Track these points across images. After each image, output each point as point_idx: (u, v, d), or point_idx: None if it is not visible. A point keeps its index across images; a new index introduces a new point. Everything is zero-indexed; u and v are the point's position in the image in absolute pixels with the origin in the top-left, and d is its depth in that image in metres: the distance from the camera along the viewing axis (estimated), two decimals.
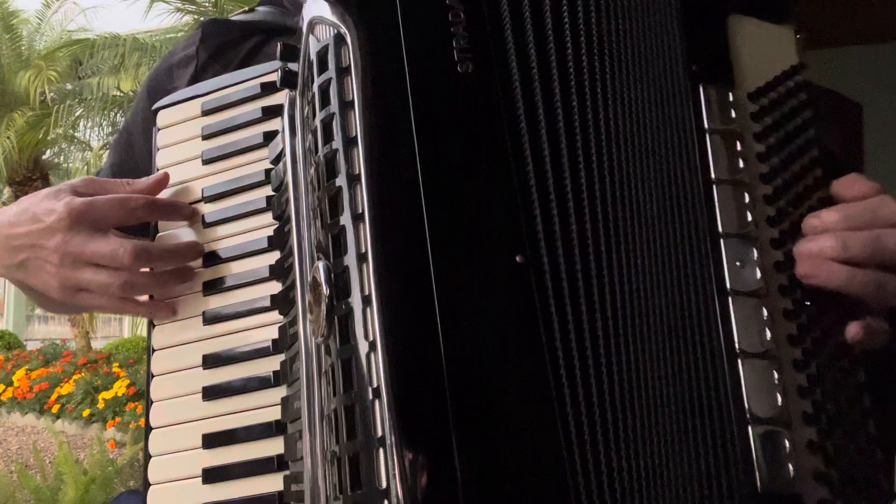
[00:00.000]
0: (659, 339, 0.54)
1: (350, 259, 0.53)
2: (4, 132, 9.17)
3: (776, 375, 0.53)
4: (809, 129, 0.60)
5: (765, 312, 0.54)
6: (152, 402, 0.70)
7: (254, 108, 0.72)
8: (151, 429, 0.70)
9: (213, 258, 0.71)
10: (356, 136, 0.55)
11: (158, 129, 0.77)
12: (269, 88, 0.71)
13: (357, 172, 0.54)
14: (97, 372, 6.80)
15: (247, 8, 0.91)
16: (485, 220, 0.54)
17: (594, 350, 0.53)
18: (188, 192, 0.74)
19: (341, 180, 0.55)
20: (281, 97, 0.69)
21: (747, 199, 0.56)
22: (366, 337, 0.51)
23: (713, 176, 0.57)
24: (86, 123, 9.59)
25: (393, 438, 0.49)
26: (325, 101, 0.57)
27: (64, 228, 0.65)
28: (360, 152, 0.54)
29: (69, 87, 9.72)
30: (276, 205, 0.69)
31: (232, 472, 0.66)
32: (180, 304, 0.71)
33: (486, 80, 0.57)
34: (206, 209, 0.73)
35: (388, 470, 0.49)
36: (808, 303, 0.56)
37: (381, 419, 0.49)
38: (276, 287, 0.67)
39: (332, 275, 0.54)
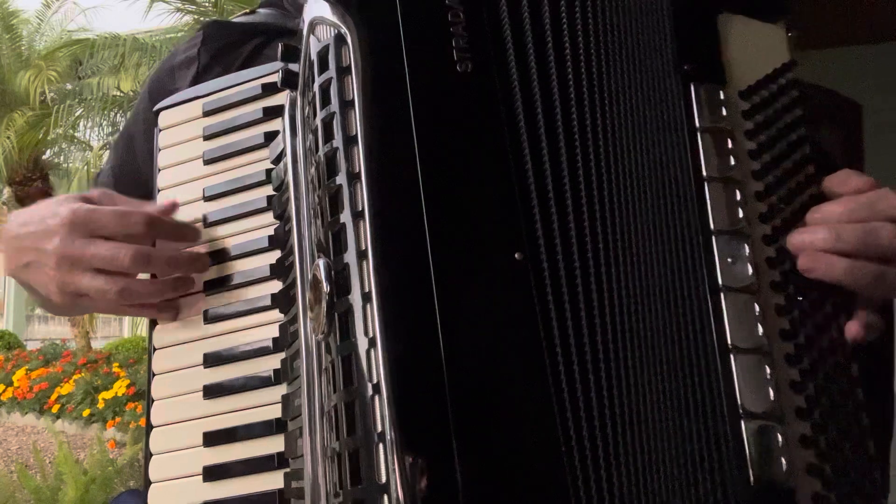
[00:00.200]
0: (653, 336, 0.54)
1: (350, 256, 0.54)
2: (4, 132, 9.18)
3: (768, 370, 0.53)
4: (801, 126, 0.60)
5: (757, 308, 0.55)
6: (153, 401, 0.70)
7: (255, 109, 0.73)
8: (153, 427, 0.70)
9: (214, 257, 0.71)
10: (356, 134, 0.55)
11: (160, 130, 0.77)
12: (270, 89, 0.72)
13: (357, 171, 0.54)
14: (97, 372, 6.81)
15: (248, 10, 0.92)
16: (484, 217, 0.55)
17: (592, 346, 0.54)
18: (189, 192, 0.74)
19: (341, 178, 0.55)
20: (282, 98, 0.70)
21: (739, 196, 0.57)
22: (366, 333, 0.52)
23: (705, 173, 0.57)
24: (86, 123, 9.59)
25: (392, 434, 0.49)
26: (325, 101, 0.57)
27: (64, 232, 0.65)
28: (360, 151, 0.55)
29: (69, 87, 9.72)
30: (276, 204, 0.69)
31: (232, 469, 0.66)
32: (182, 303, 0.72)
33: (486, 80, 0.57)
34: (208, 209, 0.73)
35: (387, 465, 0.49)
36: (801, 298, 0.56)
37: (381, 415, 0.50)
38: (276, 286, 0.68)
39: (333, 272, 0.54)
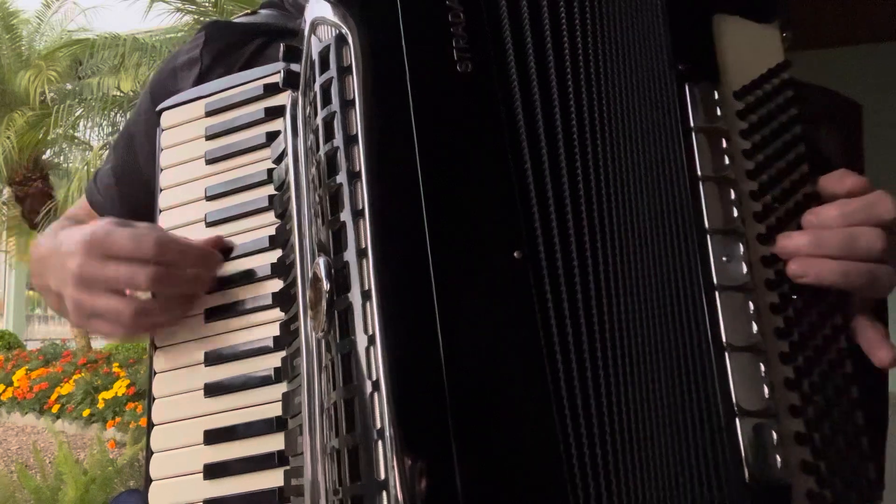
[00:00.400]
0: (648, 335, 0.55)
1: (350, 255, 0.54)
2: (4, 132, 9.17)
3: (763, 368, 0.54)
4: (796, 125, 0.61)
5: (751, 306, 0.55)
6: (154, 399, 0.71)
7: (256, 109, 0.73)
8: (154, 425, 0.70)
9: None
10: (357, 133, 0.55)
11: (162, 130, 0.78)
12: (271, 90, 0.72)
13: (357, 169, 0.55)
14: (97, 372, 6.81)
15: (248, 10, 0.92)
16: (483, 216, 0.55)
17: (590, 346, 0.54)
18: (191, 192, 0.75)
19: (342, 177, 0.55)
20: (283, 98, 0.70)
21: (733, 196, 0.57)
22: (365, 331, 0.52)
23: (699, 173, 0.57)
24: (86, 123, 9.58)
25: (391, 431, 0.49)
26: (326, 100, 0.58)
27: (82, 252, 0.66)
28: (360, 150, 0.55)
29: (69, 87, 9.71)
30: (277, 203, 0.69)
31: (233, 467, 0.66)
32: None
33: (485, 80, 0.58)
34: (209, 208, 0.73)
35: (386, 462, 0.49)
36: (795, 297, 0.56)
37: (380, 412, 0.50)
38: (277, 285, 0.68)
39: (333, 270, 0.55)
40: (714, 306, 0.55)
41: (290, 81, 0.65)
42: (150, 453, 0.70)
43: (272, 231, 0.70)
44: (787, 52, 0.64)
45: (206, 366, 0.70)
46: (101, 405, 6.18)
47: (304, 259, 0.62)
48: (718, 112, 0.59)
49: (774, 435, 0.53)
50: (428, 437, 0.50)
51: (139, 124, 0.89)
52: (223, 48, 0.86)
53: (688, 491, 0.52)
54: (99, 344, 9.01)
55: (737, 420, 0.53)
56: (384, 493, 0.49)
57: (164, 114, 0.78)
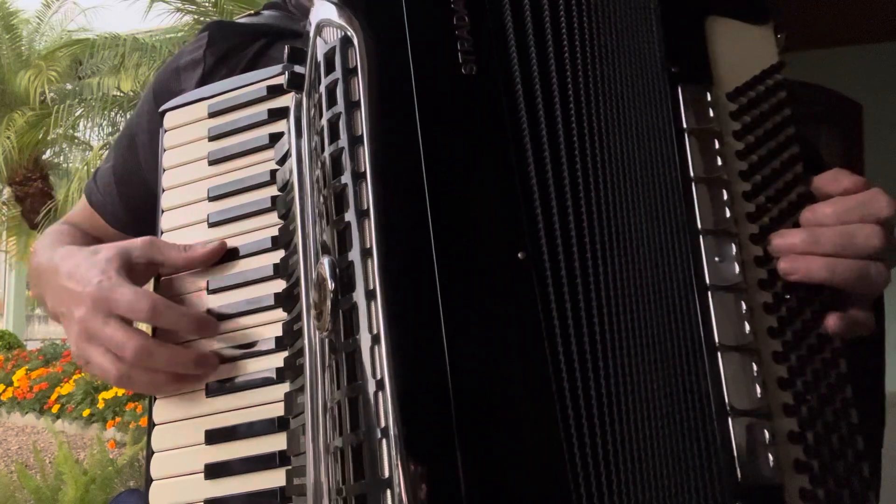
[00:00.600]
0: (645, 336, 0.55)
1: (355, 254, 0.54)
2: (4, 132, 9.18)
3: (755, 368, 0.54)
4: (789, 126, 0.61)
5: (744, 306, 0.55)
6: (156, 399, 0.71)
7: (260, 111, 0.73)
8: (155, 424, 0.70)
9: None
10: (362, 134, 0.56)
11: (165, 131, 0.78)
12: (275, 91, 0.72)
13: (362, 170, 0.55)
14: None
15: (250, 10, 0.92)
16: (487, 217, 0.55)
17: (592, 346, 0.54)
18: (194, 192, 0.75)
19: (347, 178, 0.56)
20: (286, 100, 0.71)
21: (726, 197, 0.58)
22: (370, 330, 0.52)
23: (692, 174, 0.58)
24: (86, 123, 9.59)
25: (395, 429, 0.50)
26: (331, 102, 0.58)
27: (89, 303, 0.67)
28: (365, 150, 0.55)
29: (69, 87, 9.72)
30: (280, 204, 0.70)
31: (234, 467, 0.66)
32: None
33: (490, 82, 0.58)
34: (212, 209, 0.74)
35: (390, 460, 0.50)
36: (788, 296, 0.57)
37: (384, 411, 0.50)
38: (280, 285, 0.68)
39: (337, 270, 0.55)
40: (706, 306, 0.55)
41: (294, 83, 0.65)
42: (150, 453, 0.70)
43: (275, 232, 0.70)
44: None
45: None
46: (101, 405, 6.18)
47: (307, 259, 0.62)
48: (711, 113, 0.59)
49: (767, 434, 0.53)
50: (432, 436, 0.50)
51: (141, 124, 0.90)
52: (226, 49, 0.86)
53: (683, 491, 0.52)
54: None
55: (729, 420, 0.53)
56: (388, 492, 0.49)
57: (168, 115, 0.78)
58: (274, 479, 0.65)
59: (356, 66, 0.57)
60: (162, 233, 0.75)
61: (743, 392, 0.53)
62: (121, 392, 6.13)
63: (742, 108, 0.61)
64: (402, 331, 0.52)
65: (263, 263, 0.70)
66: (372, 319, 0.52)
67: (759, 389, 0.54)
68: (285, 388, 0.66)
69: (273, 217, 0.70)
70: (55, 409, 6.64)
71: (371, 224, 0.54)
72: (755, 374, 0.54)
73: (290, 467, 0.64)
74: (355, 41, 0.58)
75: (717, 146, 0.59)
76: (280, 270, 0.68)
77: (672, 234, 0.57)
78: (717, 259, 0.56)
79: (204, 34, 0.88)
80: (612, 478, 0.52)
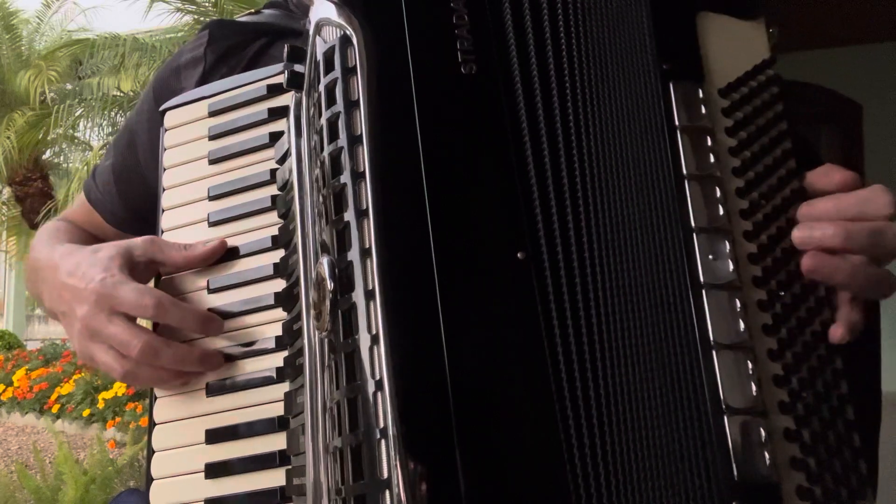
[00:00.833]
0: (641, 335, 0.55)
1: (354, 254, 0.54)
2: (4, 132, 9.18)
3: (750, 366, 0.54)
4: (782, 121, 0.61)
5: (738, 304, 0.55)
6: (156, 398, 0.71)
7: (260, 110, 0.73)
8: (155, 424, 0.70)
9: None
10: (361, 134, 0.56)
11: (165, 130, 0.78)
12: (275, 90, 0.72)
13: (362, 170, 0.55)
14: (97, 372, 6.79)
15: (250, 10, 0.92)
16: (487, 217, 0.55)
17: (590, 346, 0.54)
18: (194, 192, 0.75)
19: (346, 177, 0.56)
20: (286, 99, 0.71)
21: (719, 194, 0.57)
22: (369, 330, 0.52)
23: (685, 172, 0.58)
24: (86, 123, 9.59)
25: (395, 430, 0.50)
26: (331, 101, 0.58)
27: (92, 301, 0.67)
28: (364, 150, 0.55)
29: (69, 87, 9.72)
30: (280, 203, 0.70)
31: (234, 467, 0.66)
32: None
33: (489, 81, 0.58)
34: (212, 208, 0.73)
35: (389, 461, 0.50)
36: (783, 293, 0.56)
37: (384, 411, 0.50)
38: (280, 284, 0.68)
39: (337, 270, 0.55)
40: (701, 305, 0.55)
41: (294, 82, 0.65)
42: (151, 452, 0.70)
43: (275, 231, 0.70)
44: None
45: None
46: (101, 405, 6.18)
47: (306, 259, 0.62)
48: (703, 110, 0.59)
49: (763, 432, 0.53)
50: (431, 436, 0.50)
51: (141, 122, 0.89)
52: (227, 47, 0.86)
53: (680, 491, 0.52)
54: None
55: (725, 418, 0.53)
56: (387, 493, 0.49)
57: (168, 114, 0.78)
58: (274, 478, 0.65)
59: (355, 65, 0.57)
60: (162, 232, 0.75)
61: (738, 390, 0.53)
62: (121, 392, 6.13)
63: (734, 104, 0.61)
64: (402, 331, 0.52)
65: (263, 263, 0.70)
66: (371, 319, 0.52)
67: (754, 387, 0.53)
68: (285, 387, 0.66)
69: (273, 216, 0.70)
70: (55, 409, 6.64)
71: (370, 224, 0.54)
72: (750, 371, 0.54)
73: (289, 467, 0.64)
74: (354, 40, 0.58)
75: (709, 143, 0.59)
76: (280, 270, 0.68)
77: (666, 233, 0.57)
78: (710, 257, 0.56)
79: (204, 32, 0.88)
80: (610, 477, 0.52)
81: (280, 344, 0.67)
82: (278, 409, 0.66)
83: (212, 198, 0.74)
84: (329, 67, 0.59)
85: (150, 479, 0.69)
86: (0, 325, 12.55)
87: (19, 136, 9.21)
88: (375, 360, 0.52)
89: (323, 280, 0.56)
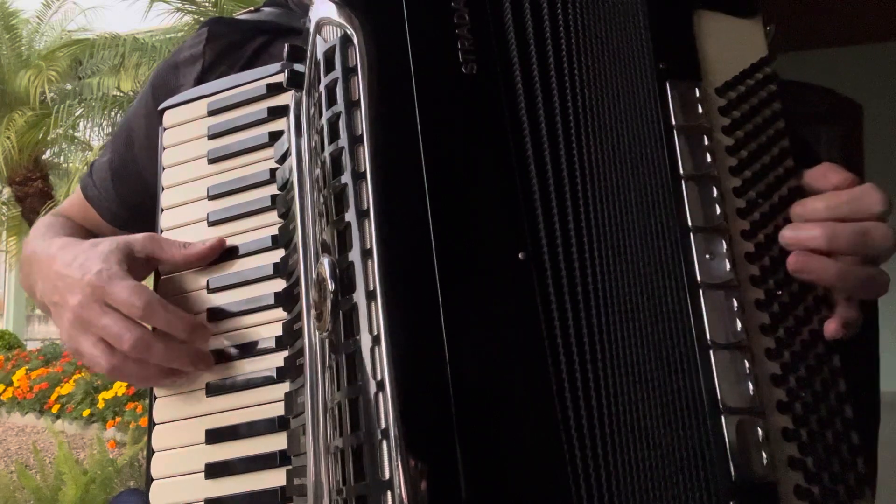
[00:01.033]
0: (639, 335, 0.55)
1: (355, 255, 0.54)
2: (4, 132, 9.19)
3: (748, 365, 0.54)
4: (779, 120, 0.61)
5: (735, 303, 0.55)
6: (156, 398, 0.71)
7: (259, 109, 0.73)
8: (155, 424, 0.70)
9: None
10: (362, 134, 0.56)
11: (164, 129, 0.78)
12: (274, 89, 0.72)
13: (362, 170, 0.55)
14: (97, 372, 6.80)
15: (252, 8, 0.92)
16: (488, 217, 0.55)
17: (590, 346, 0.54)
18: (193, 191, 0.75)
19: (347, 177, 0.56)
20: (286, 98, 0.70)
21: (716, 193, 0.57)
22: (370, 331, 0.52)
23: (681, 171, 0.58)
24: (86, 123, 9.59)
25: (396, 430, 0.49)
26: (331, 101, 0.58)
27: (86, 292, 0.67)
28: (365, 150, 0.55)
29: (69, 87, 9.73)
30: (280, 203, 0.69)
31: (234, 467, 0.66)
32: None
33: (490, 81, 0.58)
34: (211, 207, 0.73)
35: (390, 462, 0.49)
36: (780, 292, 0.56)
37: (385, 411, 0.50)
38: (280, 284, 0.68)
39: (337, 270, 0.55)
40: (698, 304, 0.55)
41: (294, 81, 0.65)
42: (151, 452, 0.70)
43: (275, 231, 0.70)
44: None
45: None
46: (101, 405, 6.18)
47: (307, 259, 0.62)
48: (700, 109, 0.59)
49: (760, 432, 0.53)
50: (432, 437, 0.50)
51: (139, 119, 0.89)
52: (226, 45, 0.85)
53: (678, 491, 0.52)
54: None
55: (722, 418, 0.53)
56: (388, 493, 0.49)
57: (167, 112, 0.78)
58: (274, 478, 0.65)
59: (356, 65, 0.57)
60: (161, 231, 0.75)
61: (735, 390, 0.53)
62: (121, 392, 6.13)
63: (731, 102, 0.61)
64: (403, 331, 0.52)
65: (263, 262, 0.70)
66: (372, 320, 0.52)
67: (751, 387, 0.53)
68: (285, 387, 0.66)
69: (273, 216, 0.70)
70: (55, 409, 6.64)
71: (371, 224, 0.54)
72: (748, 371, 0.54)
73: (290, 467, 0.64)
74: (355, 40, 0.58)
75: (706, 142, 0.59)
76: (280, 270, 0.68)
77: (663, 232, 0.57)
78: (707, 256, 0.56)
79: (203, 30, 0.87)
80: (610, 477, 0.52)
81: (280, 344, 0.67)
82: (279, 409, 0.66)
83: (211, 197, 0.74)
84: (329, 67, 0.59)
85: (150, 479, 0.69)
86: (0, 325, 12.55)
87: (19, 136, 9.22)
88: (377, 361, 0.51)
89: (324, 280, 0.56)
